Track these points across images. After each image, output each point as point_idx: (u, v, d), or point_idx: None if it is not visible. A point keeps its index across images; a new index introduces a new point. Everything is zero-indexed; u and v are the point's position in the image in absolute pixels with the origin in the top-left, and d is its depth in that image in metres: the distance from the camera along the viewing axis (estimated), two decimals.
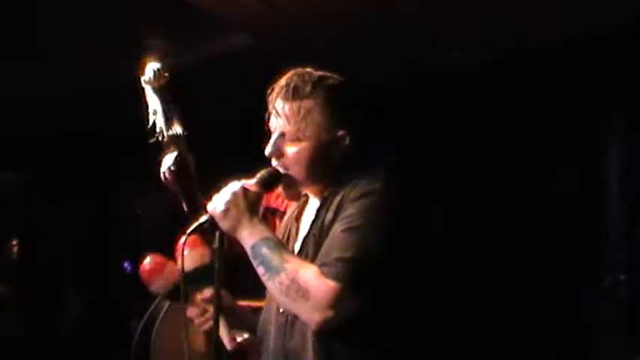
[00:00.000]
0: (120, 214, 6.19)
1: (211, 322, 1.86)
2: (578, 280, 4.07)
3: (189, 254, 1.98)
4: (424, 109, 4.65)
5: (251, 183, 1.84)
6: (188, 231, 1.84)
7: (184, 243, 1.83)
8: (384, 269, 1.73)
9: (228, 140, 4.95)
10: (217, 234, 1.80)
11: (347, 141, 1.86)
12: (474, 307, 4.34)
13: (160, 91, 2.05)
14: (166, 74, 2.06)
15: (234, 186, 1.81)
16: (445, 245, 4.25)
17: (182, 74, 2.23)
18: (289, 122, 1.83)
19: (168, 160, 2.02)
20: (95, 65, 4.69)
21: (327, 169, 1.87)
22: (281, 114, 1.85)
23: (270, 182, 1.88)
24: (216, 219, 1.79)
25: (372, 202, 1.75)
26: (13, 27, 4.20)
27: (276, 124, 1.87)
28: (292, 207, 2.09)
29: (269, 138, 1.90)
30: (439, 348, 4.12)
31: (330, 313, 1.67)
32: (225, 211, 1.77)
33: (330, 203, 1.84)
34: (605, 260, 4.09)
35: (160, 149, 2.06)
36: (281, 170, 1.87)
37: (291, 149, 1.85)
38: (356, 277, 1.68)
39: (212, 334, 1.80)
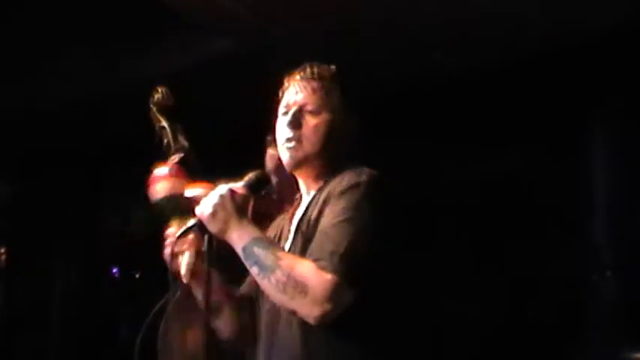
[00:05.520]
0: (108, 221, 6.18)
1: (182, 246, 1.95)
2: (564, 278, 4.10)
3: (164, 184, 2.11)
4: (409, 112, 4.66)
5: (238, 186, 1.85)
6: (177, 234, 1.86)
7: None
8: (377, 261, 1.74)
9: (214, 145, 4.95)
10: (206, 237, 1.82)
11: (356, 125, 1.98)
12: (462, 302, 4.36)
13: (166, 111, 2.26)
14: (172, 97, 2.29)
15: (221, 189, 1.82)
16: (430, 244, 4.28)
17: (166, 80, 2.34)
18: (313, 95, 1.93)
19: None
20: (80, 76, 4.68)
21: (337, 149, 1.93)
22: (305, 89, 1.94)
23: (258, 185, 1.89)
24: (205, 222, 1.80)
25: (359, 195, 1.77)
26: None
27: (295, 99, 1.94)
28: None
29: (272, 127, 1.98)
30: (432, 340, 4.17)
31: (328, 307, 1.67)
32: (213, 214, 1.78)
33: (318, 199, 1.87)
34: (591, 258, 4.11)
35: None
36: (293, 144, 1.91)
37: (311, 120, 1.91)
38: (351, 270, 1.69)
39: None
